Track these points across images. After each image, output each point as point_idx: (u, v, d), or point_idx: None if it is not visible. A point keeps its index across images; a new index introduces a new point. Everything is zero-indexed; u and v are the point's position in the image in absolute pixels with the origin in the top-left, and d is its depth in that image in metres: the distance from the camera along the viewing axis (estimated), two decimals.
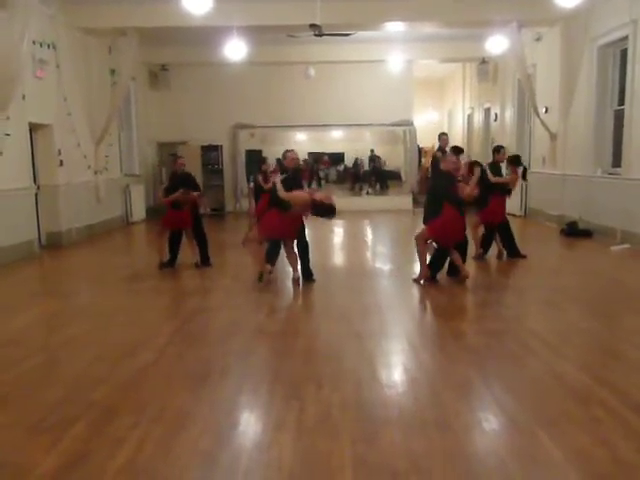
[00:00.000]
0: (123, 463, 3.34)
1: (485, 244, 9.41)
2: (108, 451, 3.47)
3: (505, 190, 9.40)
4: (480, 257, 9.30)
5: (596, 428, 3.65)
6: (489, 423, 3.83)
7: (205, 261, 9.11)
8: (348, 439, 3.54)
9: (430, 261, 7.94)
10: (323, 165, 24.95)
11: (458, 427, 3.73)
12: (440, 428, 3.70)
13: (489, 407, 4.06)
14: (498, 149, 9.77)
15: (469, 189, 7.87)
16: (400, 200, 18.07)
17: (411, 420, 3.85)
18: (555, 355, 5.05)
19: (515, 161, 9.72)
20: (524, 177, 10.24)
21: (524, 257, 9.25)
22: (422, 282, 7.73)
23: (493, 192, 9.14)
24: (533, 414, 3.89)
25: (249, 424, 3.91)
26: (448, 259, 7.90)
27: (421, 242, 7.79)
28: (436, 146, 11.54)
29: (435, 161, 10.00)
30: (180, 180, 8.94)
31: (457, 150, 8.97)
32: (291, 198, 7.42)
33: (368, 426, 3.74)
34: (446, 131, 23.62)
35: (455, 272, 7.89)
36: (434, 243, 7.95)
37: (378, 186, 21.75)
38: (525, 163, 15.00)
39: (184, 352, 5.28)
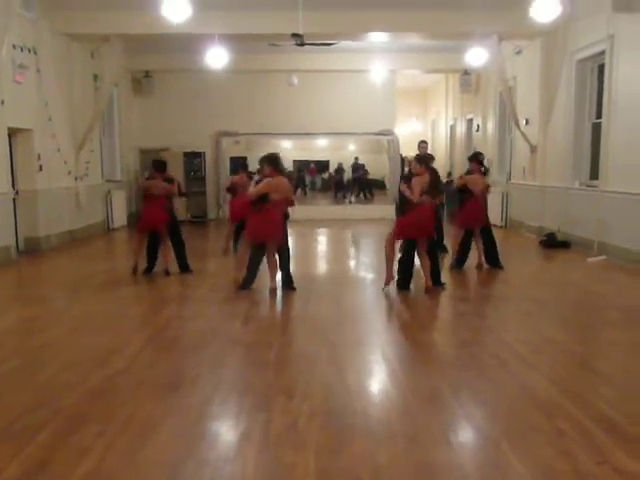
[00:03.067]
0: (86, 472, 3.32)
1: (462, 252, 9.42)
2: (72, 460, 3.45)
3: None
4: (456, 265, 9.35)
5: (560, 440, 3.68)
6: (455, 435, 3.85)
7: (184, 268, 9.09)
8: (313, 450, 3.55)
9: (398, 270, 8.00)
10: (309, 173, 25.03)
11: (424, 439, 3.74)
12: (407, 439, 3.72)
13: (456, 419, 4.09)
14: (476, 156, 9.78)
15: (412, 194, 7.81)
16: (384, 209, 18.08)
17: (378, 431, 3.87)
18: (525, 367, 5.09)
19: (474, 158, 9.68)
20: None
21: (501, 268, 9.31)
22: (384, 287, 7.84)
23: (467, 196, 9.25)
24: (499, 426, 3.92)
25: (216, 435, 3.91)
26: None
27: (389, 245, 7.88)
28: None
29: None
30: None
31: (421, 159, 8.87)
32: (260, 189, 7.56)
33: (334, 437, 3.74)
34: (428, 140, 23.83)
35: (437, 281, 7.95)
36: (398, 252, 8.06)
37: (362, 195, 21.83)
38: (506, 173, 15.20)
39: (156, 361, 5.27)
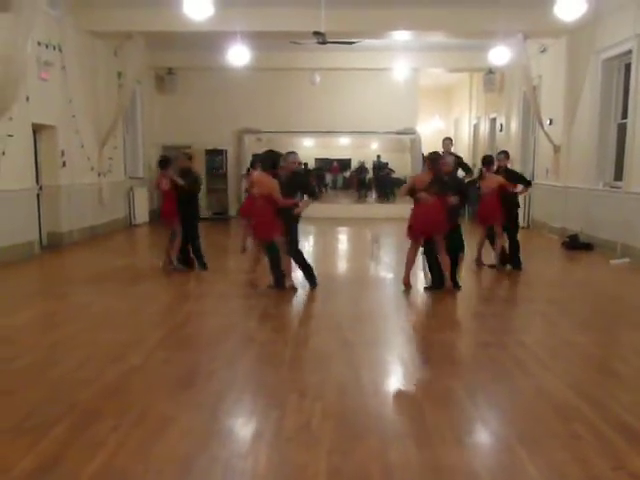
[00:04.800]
0: (98, 467, 3.34)
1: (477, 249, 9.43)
2: (85, 455, 3.47)
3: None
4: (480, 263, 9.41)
5: (575, 445, 3.63)
6: (469, 437, 3.82)
7: (201, 264, 9.14)
8: (325, 450, 3.54)
9: (428, 271, 7.97)
10: (331, 171, 24.99)
11: (437, 440, 3.71)
12: (419, 441, 3.69)
13: (471, 421, 4.05)
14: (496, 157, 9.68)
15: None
16: (405, 208, 17.98)
17: (391, 431, 3.85)
18: (543, 369, 5.03)
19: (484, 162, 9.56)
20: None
21: (519, 269, 9.21)
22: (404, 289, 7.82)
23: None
24: (514, 429, 3.87)
25: (228, 432, 3.91)
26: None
27: (409, 248, 7.87)
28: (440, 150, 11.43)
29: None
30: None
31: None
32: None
33: (347, 436, 3.73)
34: (453, 138, 23.62)
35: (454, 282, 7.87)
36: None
37: (381, 194, 21.50)
38: (528, 174, 15.03)
39: (172, 357, 5.29)
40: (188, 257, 9.21)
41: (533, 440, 3.69)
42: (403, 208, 17.80)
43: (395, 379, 4.84)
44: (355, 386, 4.61)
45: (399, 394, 4.54)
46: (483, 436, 3.83)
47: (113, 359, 5.15)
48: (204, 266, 9.16)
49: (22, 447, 3.55)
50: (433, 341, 6.00)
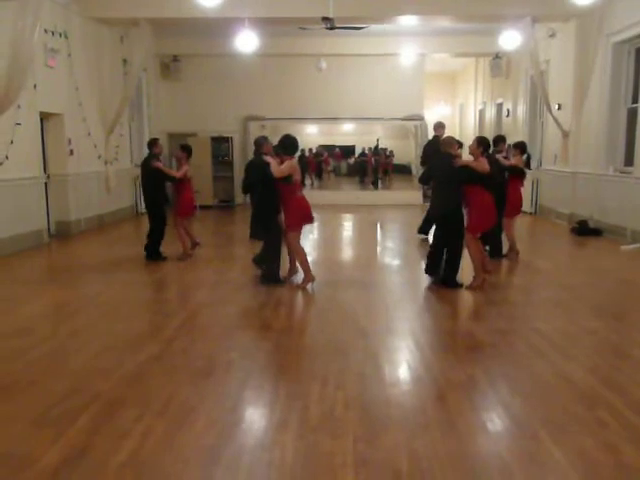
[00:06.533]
0: (126, 457, 3.34)
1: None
2: (111, 445, 3.48)
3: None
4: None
5: (601, 431, 3.63)
6: (493, 424, 3.81)
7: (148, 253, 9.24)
8: (350, 439, 3.53)
9: (433, 263, 7.65)
10: (335, 158, 24.85)
11: (461, 428, 3.71)
12: (443, 428, 3.69)
13: (494, 408, 4.05)
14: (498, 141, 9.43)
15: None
16: (410, 195, 18.01)
17: (414, 420, 3.84)
18: (562, 356, 5.02)
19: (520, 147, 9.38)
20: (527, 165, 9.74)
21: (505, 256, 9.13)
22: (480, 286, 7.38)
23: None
24: (538, 416, 3.87)
25: (253, 421, 3.91)
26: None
27: (472, 244, 7.35)
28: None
29: (434, 144, 9.58)
30: None
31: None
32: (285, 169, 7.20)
33: (371, 425, 3.73)
34: (456, 125, 23.45)
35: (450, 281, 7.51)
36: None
37: (379, 180, 21.14)
38: (536, 159, 14.96)
39: (189, 346, 5.29)
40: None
41: (558, 426, 3.69)
42: (406, 194, 17.98)
43: (414, 367, 4.81)
44: (375, 375, 4.60)
45: (420, 382, 4.52)
46: (507, 423, 3.81)
47: (131, 349, 5.16)
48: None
49: (48, 438, 3.55)
50: (449, 329, 5.99)
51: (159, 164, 9.08)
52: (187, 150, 9.34)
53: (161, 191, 9.24)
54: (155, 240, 9.18)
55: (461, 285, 7.42)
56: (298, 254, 7.50)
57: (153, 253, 9.15)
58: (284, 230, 7.46)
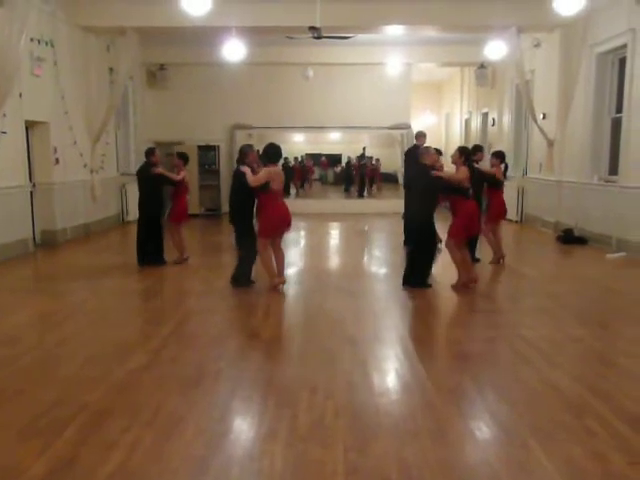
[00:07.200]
0: (114, 468, 3.32)
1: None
2: (99, 456, 3.45)
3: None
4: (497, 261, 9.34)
5: (589, 440, 3.65)
6: (482, 432, 3.82)
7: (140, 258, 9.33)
8: (340, 447, 3.53)
9: (411, 267, 7.87)
10: (321, 166, 24.91)
11: (450, 436, 3.72)
12: (432, 437, 3.70)
13: (482, 416, 4.06)
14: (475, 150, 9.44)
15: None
16: (396, 203, 18.01)
17: (404, 428, 3.84)
18: (549, 364, 5.05)
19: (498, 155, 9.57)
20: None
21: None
22: (470, 286, 7.74)
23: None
24: (526, 423, 3.88)
25: (241, 431, 3.89)
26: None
27: (454, 249, 7.69)
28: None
29: (412, 154, 9.62)
30: None
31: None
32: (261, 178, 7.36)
33: (361, 433, 3.72)
34: (442, 134, 23.56)
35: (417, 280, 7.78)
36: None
37: (363, 188, 21.16)
38: (521, 168, 15.08)
39: (178, 355, 5.26)
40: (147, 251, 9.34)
41: (546, 435, 3.71)
42: (392, 203, 17.99)
43: (403, 375, 4.82)
44: (364, 383, 4.60)
45: (408, 390, 4.53)
46: (496, 431, 3.82)
47: (119, 358, 5.12)
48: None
49: (35, 449, 3.52)
50: (437, 337, 6.03)
51: (161, 170, 9.32)
52: (184, 158, 9.72)
53: (158, 198, 9.36)
54: (157, 246, 9.34)
55: (430, 285, 7.77)
56: (263, 259, 7.64)
57: (158, 259, 9.32)
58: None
